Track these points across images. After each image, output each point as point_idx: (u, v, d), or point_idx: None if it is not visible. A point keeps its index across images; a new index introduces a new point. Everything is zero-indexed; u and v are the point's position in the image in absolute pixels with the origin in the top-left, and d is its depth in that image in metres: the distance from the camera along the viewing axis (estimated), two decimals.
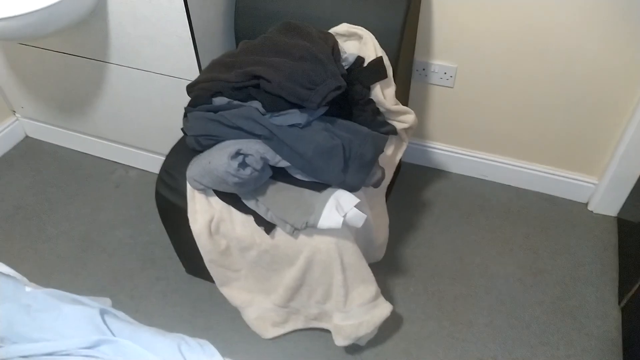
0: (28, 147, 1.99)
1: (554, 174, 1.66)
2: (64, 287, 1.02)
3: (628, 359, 1.27)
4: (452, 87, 1.59)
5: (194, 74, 1.43)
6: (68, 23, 1.35)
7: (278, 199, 1.16)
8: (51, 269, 1.56)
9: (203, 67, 1.39)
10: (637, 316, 1.27)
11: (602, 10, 1.29)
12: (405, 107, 1.33)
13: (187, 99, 1.26)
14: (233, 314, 1.39)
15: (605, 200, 1.60)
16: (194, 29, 1.35)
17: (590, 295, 1.44)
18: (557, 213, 1.65)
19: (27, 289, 0.98)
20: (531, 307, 1.42)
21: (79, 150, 1.95)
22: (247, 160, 1.11)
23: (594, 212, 1.65)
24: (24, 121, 1.98)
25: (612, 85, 1.41)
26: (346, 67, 1.26)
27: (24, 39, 1.61)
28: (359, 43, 1.30)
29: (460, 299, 1.44)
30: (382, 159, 1.24)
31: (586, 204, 1.67)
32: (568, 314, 1.40)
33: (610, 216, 1.63)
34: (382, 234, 1.40)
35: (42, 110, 1.87)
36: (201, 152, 1.21)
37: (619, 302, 1.40)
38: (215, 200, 1.20)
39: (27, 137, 2.03)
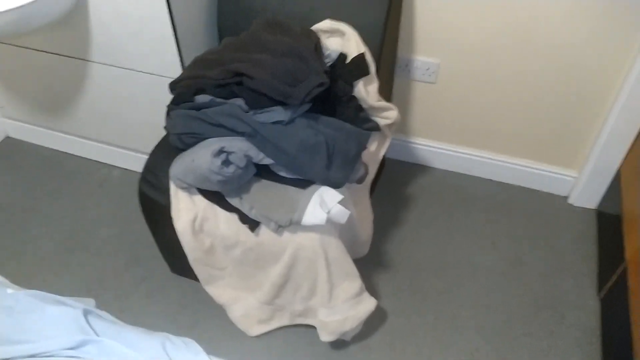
0: (9, 148, 1.96)
1: (535, 168, 1.69)
2: (48, 288, 1.02)
3: (607, 348, 1.30)
4: (434, 83, 1.60)
5: (176, 71, 1.42)
6: (48, 21, 1.34)
7: (262, 196, 1.16)
8: (34, 270, 1.55)
9: (186, 65, 1.39)
10: (615, 306, 1.30)
11: (582, 7, 1.31)
12: (388, 104, 1.34)
13: (170, 96, 1.25)
14: (218, 312, 1.39)
15: (585, 193, 1.63)
16: (176, 26, 1.34)
17: (570, 287, 1.46)
18: (538, 206, 1.68)
19: (9, 290, 0.97)
20: (513, 299, 1.44)
21: (61, 150, 1.93)
22: (231, 158, 1.11)
23: (574, 204, 1.68)
24: (5, 121, 1.95)
25: (590, 81, 1.43)
26: (329, 64, 1.27)
27: (2, 37, 1.58)
28: (341, 39, 1.31)
29: (444, 293, 1.46)
30: (365, 155, 1.24)
31: (566, 197, 1.70)
32: (549, 305, 1.42)
33: (590, 209, 1.66)
34: (366, 229, 1.41)
35: (24, 110, 1.84)
36: (184, 150, 1.21)
37: (598, 293, 1.43)
38: (199, 199, 1.20)
39: (7, 137, 2.00)
